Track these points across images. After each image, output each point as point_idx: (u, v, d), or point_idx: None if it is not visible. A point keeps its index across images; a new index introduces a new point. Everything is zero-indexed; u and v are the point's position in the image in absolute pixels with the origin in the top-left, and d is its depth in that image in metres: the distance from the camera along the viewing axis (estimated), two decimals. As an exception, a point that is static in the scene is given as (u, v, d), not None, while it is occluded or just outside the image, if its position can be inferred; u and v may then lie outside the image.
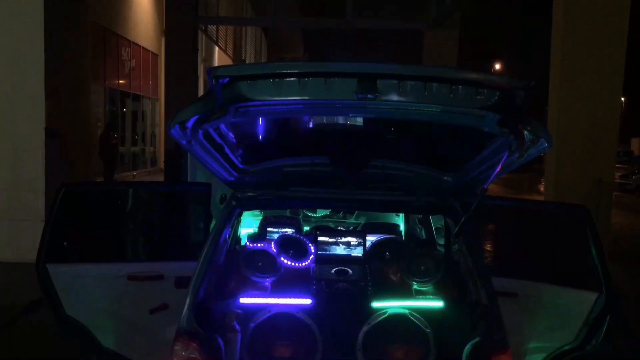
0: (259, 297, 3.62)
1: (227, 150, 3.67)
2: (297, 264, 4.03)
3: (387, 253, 4.18)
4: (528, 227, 4.60)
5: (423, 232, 5.21)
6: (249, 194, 4.00)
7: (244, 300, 3.57)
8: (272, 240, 4.33)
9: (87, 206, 4.59)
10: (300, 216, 5.43)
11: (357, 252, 4.25)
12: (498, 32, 49.63)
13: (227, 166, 3.83)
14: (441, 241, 4.75)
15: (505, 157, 3.23)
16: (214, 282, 3.68)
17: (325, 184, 4.09)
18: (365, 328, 3.60)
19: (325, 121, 3.84)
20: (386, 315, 3.61)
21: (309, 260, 4.09)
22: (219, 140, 3.47)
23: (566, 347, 4.08)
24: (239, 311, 3.54)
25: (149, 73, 21.99)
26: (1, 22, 8.88)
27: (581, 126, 9.67)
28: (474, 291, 3.60)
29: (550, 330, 4.13)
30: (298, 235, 4.50)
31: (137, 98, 21.23)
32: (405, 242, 4.35)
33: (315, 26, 23.16)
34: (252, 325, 3.58)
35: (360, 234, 4.35)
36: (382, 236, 4.56)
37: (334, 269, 3.99)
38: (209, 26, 21.47)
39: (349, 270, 4.00)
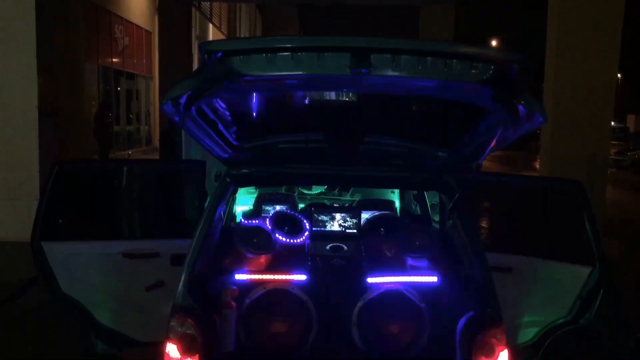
0: (254, 273, 3.63)
1: (220, 126, 3.65)
2: (292, 241, 4.03)
3: (382, 229, 4.19)
4: (522, 202, 4.61)
5: (418, 208, 5.23)
6: (244, 170, 3.99)
7: (239, 276, 3.58)
8: (267, 217, 4.33)
9: (81, 184, 4.57)
10: (295, 194, 5.43)
11: (352, 228, 4.26)
12: (496, 8, 49.28)
13: (221, 143, 3.82)
14: (436, 217, 4.76)
15: (499, 132, 3.22)
16: (209, 259, 3.69)
17: (320, 160, 4.08)
18: (360, 304, 3.62)
19: (319, 97, 3.82)
20: (381, 290, 3.63)
21: (303, 237, 4.10)
22: (212, 116, 3.44)
23: (559, 321, 4.12)
24: (235, 287, 3.55)
25: (142, 51, 21.81)
26: (-8, 0, 8.78)
27: (577, 102, 9.66)
28: (468, 266, 3.61)
29: (544, 304, 4.17)
30: (293, 212, 4.51)
31: (131, 76, 21.08)
32: (400, 218, 4.36)
33: (311, 1, 22.95)
34: (247, 301, 3.59)
35: (355, 210, 4.35)
36: (377, 213, 4.57)
37: (329, 245, 4.00)
38: (202, 3, 21.27)
39: (343, 246, 4.01)
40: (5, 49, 8.82)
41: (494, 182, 4.82)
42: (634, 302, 6.96)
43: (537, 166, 16.67)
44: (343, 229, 4.25)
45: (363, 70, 2.73)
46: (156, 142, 20.89)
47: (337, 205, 5.17)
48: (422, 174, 4.05)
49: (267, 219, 4.11)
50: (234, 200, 5.28)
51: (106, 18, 18.02)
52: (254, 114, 3.86)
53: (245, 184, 4.58)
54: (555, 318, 4.14)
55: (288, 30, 37.95)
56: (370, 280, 3.63)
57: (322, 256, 3.88)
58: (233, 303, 3.51)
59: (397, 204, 5.48)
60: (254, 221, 4.04)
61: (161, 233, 4.51)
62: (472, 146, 3.76)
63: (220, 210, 3.96)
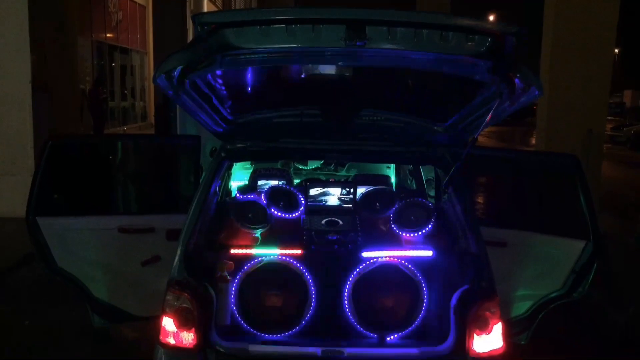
0: (249, 247, 3.64)
1: (215, 100, 3.62)
2: (287, 215, 4.04)
3: (377, 204, 4.19)
4: (518, 177, 4.61)
5: (414, 183, 5.23)
6: (239, 145, 3.98)
7: (234, 251, 3.58)
8: (262, 191, 4.33)
9: (75, 159, 4.55)
10: (291, 169, 5.42)
11: (348, 203, 4.26)
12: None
13: (216, 117, 3.79)
14: (432, 193, 4.77)
15: (495, 105, 3.20)
16: (205, 234, 3.69)
17: (315, 134, 4.06)
18: (355, 277, 3.64)
19: (315, 71, 3.79)
20: (376, 265, 3.65)
21: (299, 212, 4.10)
22: (206, 90, 3.42)
23: (553, 295, 4.16)
24: (230, 262, 3.56)
25: (136, 26, 21.59)
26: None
27: (573, 77, 9.62)
28: (463, 240, 3.62)
29: (538, 278, 4.20)
30: (288, 187, 4.50)
31: (125, 51, 20.89)
32: (395, 193, 4.36)
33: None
34: (243, 274, 3.61)
35: (351, 185, 4.35)
36: (372, 187, 4.56)
37: (324, 220, 4.00)
38: (197, -23, 21.00)
39: (339, 220, 4.01)
40: (-3, 23, 8.72)
41: (489, 156, 4.82)
42: (627, 276, 7.02)
43: (533, 142, 16.68)
44: (338, 204, 4.25)
45: (358, 43, 2.70)
46: (151, 118, 20.79)
47: (332, 180, 5.17)
48: (417, 148, 4.04)
49: (263, 194, 4.11)
50: (229, 175, 5.27)
51: (99, -8, 17.82)
52: (249, 88, 3.83)
53: (240, 158, 4.57)
54: (549, 292, 4.17)
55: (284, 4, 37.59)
56: (365, 254, 3.64)
57: (318, 231, 3.89)
58: (228, 277, 3.53)
59: (393, 179, 5.48)
60: (249, 196, 4.03)
61: (156, 208, 4.51)
62: (468, 120, 3.75)
63: (216, 185, 3.96)
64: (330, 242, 3.78)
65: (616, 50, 34.28)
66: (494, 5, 49.31)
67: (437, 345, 3.36)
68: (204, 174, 4.02)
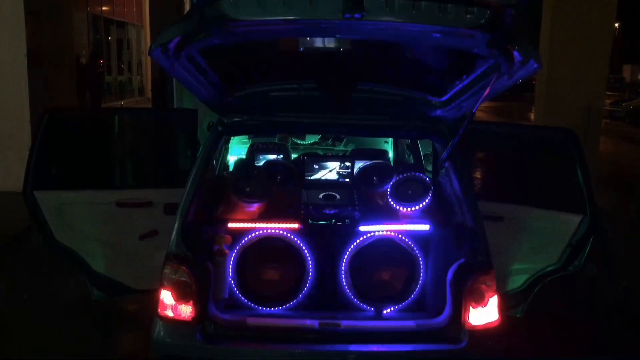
0: (247, 221, 3.64)
1: (211, 74, 3.59)
2: (284, 189, 4.04)
3: (375, 178, 4.19)
4: (515, 151, 4.60)
5: (411, 158, 5.23)
6: (236, 119, 3.95)
7: (232, 224, 3.59)
8: (259, 166, 4.32)
9: (72, 132, 4.53)
10: (288, 144, 5.41)
11: (345, 177, 4.26)
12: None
13: (213, 90, 3.77)
14: (429, 167, 4.77)
15: (494, 79, 3.18)
16: (203, 208, 3.70)
17: (313, 108, 4.04)
18: (352, 251, 3.65)
19: (312, 44, 3.75)
20: (373, 238, 3.66)
21: (296, 185, 4.10)
22: (202, 63, 3.39)
23: (549, 269, 4.18)
24: (228, 235, 3.57)
25: (132, -1, 21.34)
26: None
27: (573, 51, 9.56)
28: (460, 215, 3.63)
29: (534, 252, 4.21)
30: (286, 161, 4.50)
31: (121, 25, 20.67)
32: (393, 168, 4.36)
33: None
34: (240, 248, 3.62)
35: (349, 159, 4.35)
36: (370, 162, 4.56)
37: (322, 194, 4.01)
38: (194, -52, 20.70)
39: (336, 195, 4.02)
40: (-8, -2, 8.62)
41: (487, 131, 4.81)
42: (623, 251, 7.07)
43: (532, 117, 16.64)
44: (336, 178, 4.25)
45: (356, 15, 2.67)
46: (149, 93, 20.67)
47: (330, 155, 5.16)
48: (415, 122, 4.02)
49: (260, 168, 4.10)
50: (227, 149, 5.26)
51: (95, -37, 17.56)
52: (246, 61, 3.80)
53: (237, 132, 4.56)
54: (544, 265, 4.19)
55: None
56: (362, 228, 3.65)
57: (315, 205, 3.89)
58: (226, 250, 3.54)
59: (391, 154, 5.48)
60: (246, 170, 4.03)
61: (154, 182, 4.50)
62: (466, 94, 3.73)
63: (213, 159, 3.95)
64: (328, 216, 3.79)
65: (616, 25, 34.04)
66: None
67: (434, 318, 3.40)
68: (201, 148, 4.01)
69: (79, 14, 15.36)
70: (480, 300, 3.26)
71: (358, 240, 3.65)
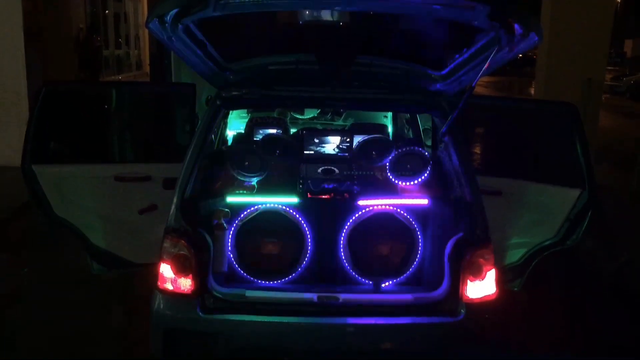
0: (245, 195, 3.65)
1: (209, 47, 3.56)
2: (282, 163, 4.03)
3: (373, 152, 4.18)
4: (515, 125, 4.58)
5: (410, 132, 5.21)
6: (234, 93, 3.93)
7: (231, 198, 3.60)
8: (258, 140, 4.31)
9: (70, 106, 4.50)
10: (287, 118, 5.38)
11: (344, 151, 4.25)
12: None
13: (211, 64, 3.74)
14: (428, 142, 4.75)
15: (494, 52, 3.16)
16: (201, 182, 3.70)
17: (311, 82, 4.01)
18: (351, 225, 3.66)
19: (311, 16, 3.71)
20: (372, 212, 3.67)
21: (295, 160, 4.09)
22: (200, 36, 3.36)
23: (546, 242, 4.20)
24: (226, 209, 3.57)
25: (129, -29, 21.08)
26: None
27: (574, 25, 9.47)
28: (459, 189, 3.64)
29: (532, 226, 4.22)
30: (284, 136, 4.49)
31: (118, -2, 20.47)
32: (392, 142, 4.34)
33: None
34: (239, 222, 3.63)
35: (348, 133, 4.34)
36: (369, 136, 4.55)
37: (321, 168, 4.00)
38: None
39: (335, 169, 4.01)
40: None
41: (486, 104, 4.78)
42: (621, 226, 7.09)
43: (532, 92, 16.56)
44: (335, 152, 4.24)
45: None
46: (147, 67, 20.51)
47: (329, 129, 5.15)
48: (414, 96, 4.00)
49: (259, 142, 4.09)
50: (225, 124, 5.24)
51: None
52: (244, 33, 3.76)
53: (235, 106, 4.53)
54: (542, 239, 4.21)
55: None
56: (361, 202, 3.66)
57: (314, 179, 3.89)
58: (225, 225, 3.55)
59: (390, 129, 5.46)
60: (245, 144, 4.02)
61: (152, 156, 4.49)
62: (466, 68, 3.70)
63: (212, 133, 3.93)
64: (327, 191, 3.79)
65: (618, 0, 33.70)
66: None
67: (432, 291, 3.42)
68: (199, 123, 3.99)
69: (75, -14, 15.17)
70: (478, 273, 3.28)
71: (357, 215, 3.66)
